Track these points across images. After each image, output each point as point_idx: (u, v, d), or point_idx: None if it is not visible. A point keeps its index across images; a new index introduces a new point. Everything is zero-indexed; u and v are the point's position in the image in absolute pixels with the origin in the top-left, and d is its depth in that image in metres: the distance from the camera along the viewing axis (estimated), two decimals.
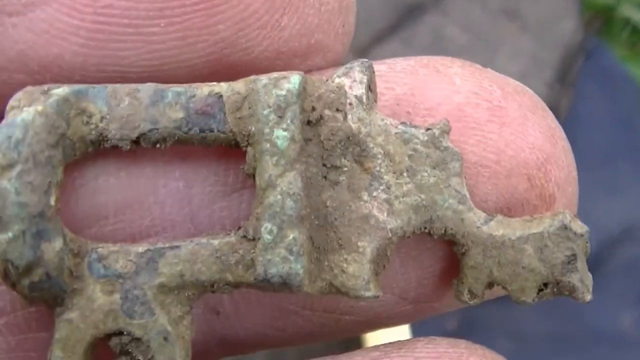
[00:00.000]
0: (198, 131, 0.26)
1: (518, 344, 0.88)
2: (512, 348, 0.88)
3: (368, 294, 0.26)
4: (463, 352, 0.26)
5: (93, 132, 0.26)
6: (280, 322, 0.29)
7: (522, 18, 0.90)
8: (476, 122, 0.28)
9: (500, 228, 0.27)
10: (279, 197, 0.26)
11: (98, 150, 0.27)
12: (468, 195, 0.27)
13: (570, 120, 0.92)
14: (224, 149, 0.27)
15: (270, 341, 0.30)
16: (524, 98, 0.28)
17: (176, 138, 0.26)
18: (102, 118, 0.26)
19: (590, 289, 0.27)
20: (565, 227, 0.27)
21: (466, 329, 0.88)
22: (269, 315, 0.29)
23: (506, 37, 0.90)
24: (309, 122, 0.26)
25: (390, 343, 0.27)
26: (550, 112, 0.29)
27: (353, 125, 0.27)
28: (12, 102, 0.26)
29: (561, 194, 0.28)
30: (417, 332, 0.79)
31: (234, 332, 0.29)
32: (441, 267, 0.29)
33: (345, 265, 0.26)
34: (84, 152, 0.26)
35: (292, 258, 0.25)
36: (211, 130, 0.26)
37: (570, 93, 0.92)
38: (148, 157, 0.27)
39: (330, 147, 0.26)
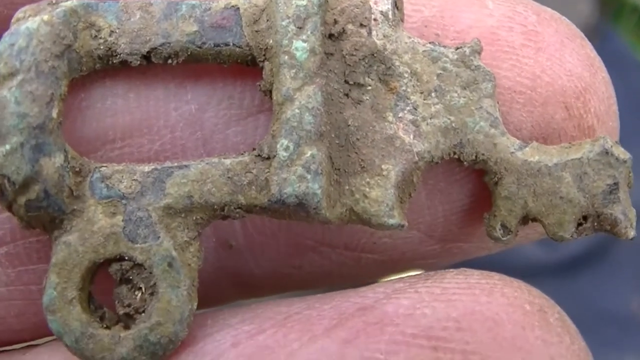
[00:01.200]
0: (212, 45, 0.23)
1: None
2: None
3: (392, 221, 0.23)
4: (497, 283, 0.22)
5: (101, 47, 0.23)
6: (296, 259, 0.26)
7: None
8: (510, 46, 0.24)
9: (536, 154, 0.23)
10: (296, 111, 0.22)
11: (106, 67, 0.23)
12: (500, 119, 0.24)
13: None
14: (240, 70, 0.24)
15: (286, 281, 0.27)
16: (561, 25, 0.25)
17: (189, 53, 0.23)
18: (111, 32, 0.23)
19: (634, 223, 0.24)
20: (606, 152, 0.23)
21: None
22: (285, 252, 0.26)
23: None
24: (330, 36, 0.23)
25: (417, 275, 0.23)
26: (589, 42, 0.26)
27: (378, 42, 0.23)
28: (18, 14, 0.23)
29: (601, 127, 0.25)
30: None
31: (247, 268, 0.26)
32: (471, 202, 0.25)
33: (367, 189, 0.23)
34: (92, 68, 0.23)
35: (309, 177, 0.22)
36: (226, 45, 0.23)
37: None
38: (159, 78, 0.24)
39: (353, 64, 0.23)
